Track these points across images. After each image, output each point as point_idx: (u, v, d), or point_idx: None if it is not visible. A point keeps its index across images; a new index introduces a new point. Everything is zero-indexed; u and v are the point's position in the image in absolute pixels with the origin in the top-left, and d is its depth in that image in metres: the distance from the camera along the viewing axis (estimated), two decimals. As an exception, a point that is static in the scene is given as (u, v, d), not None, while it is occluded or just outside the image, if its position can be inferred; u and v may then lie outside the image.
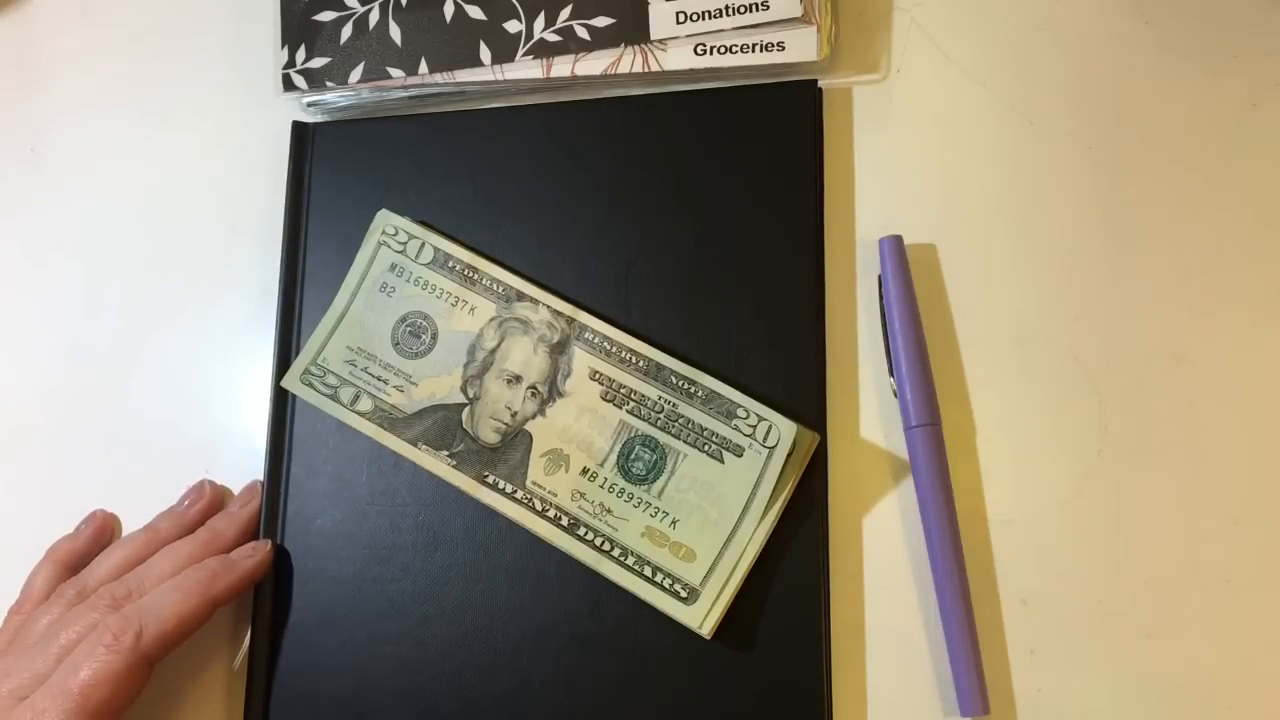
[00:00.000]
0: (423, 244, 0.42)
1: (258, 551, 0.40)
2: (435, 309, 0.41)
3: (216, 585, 0.38)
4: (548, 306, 0.40)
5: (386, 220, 0.42)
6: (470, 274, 0.41)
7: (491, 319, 0.41)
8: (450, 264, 0.41)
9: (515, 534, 0.40)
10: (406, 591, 0.40)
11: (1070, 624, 0.36)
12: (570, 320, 0.40)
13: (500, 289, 0.41)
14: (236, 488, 0.44)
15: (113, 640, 0.36)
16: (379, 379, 0.41)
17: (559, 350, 0.40)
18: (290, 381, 0.42)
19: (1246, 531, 0.36)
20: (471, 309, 0.41)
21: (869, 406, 0.39)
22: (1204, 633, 0.36)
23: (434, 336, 0.41)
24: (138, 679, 0.36)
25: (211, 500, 0.43)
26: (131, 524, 0.44)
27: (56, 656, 0.37)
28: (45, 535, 0.44)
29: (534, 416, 0.40)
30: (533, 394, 0.40)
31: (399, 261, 0.42)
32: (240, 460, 0.44)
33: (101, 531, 0.43)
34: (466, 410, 0.40)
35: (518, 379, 0.40)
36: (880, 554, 0.38)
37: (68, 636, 0.37)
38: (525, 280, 0.41)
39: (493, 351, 0.40)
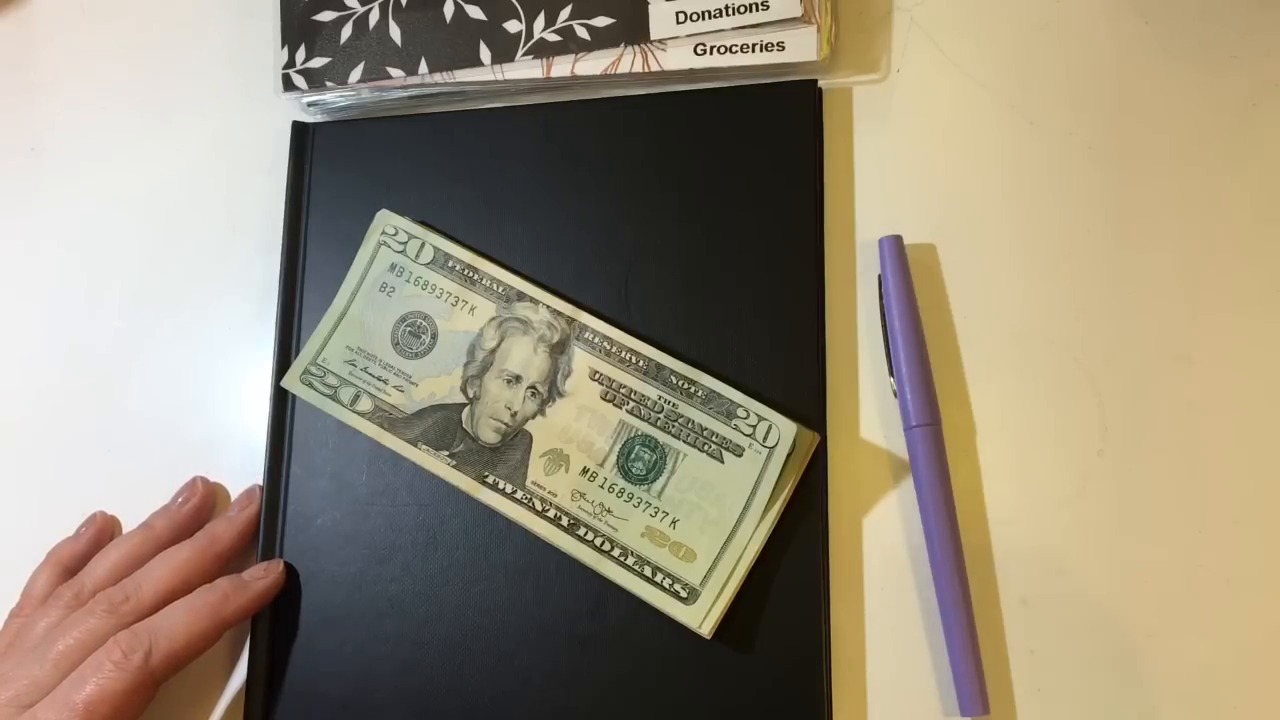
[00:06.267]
0: (423, 244, 0.42)
1: (270, 572, 0.40)
2: (435, 309, 0.41)
3: (227, 607, 0.38)
4: (548, 306, 0.40)
5: (386, 220, 0.42)
6: (470, 274, 0.41)
7: (491, 319, 0.41)
8: (450, 264, 0.41)
9: (515, 534, 0.40)
10: (406, 591, 0.40)
11: (1070, 624, 0.36)
12: (570, 320, 0.40)
13: (500, 289, 0.41)
14: (236, 488, 0.44)
15: (121, 658, 0.36)
16: (379, 379, 0.41)
17: (559, 350, 0.40)
18: (290, 382, 0.42)
19: (1246, 531, 0.36)
20: (471, 309, 0.41)
21: (869, 406, 0.39)
22: (1204, 633, 0.36)
23: (434, 336, 0.41)
24: (143, 697, 0.36)
25: (204, 497, 0.43)
26: (131, 525, 0.44)
27: (55, 663, 0.37)
28: (45, 536, 0.44)
29: (534, 416, 0.40)
30: (532, 394, 0.40)
31: (399, 261, 0.42)
32: (240, 460, 0.44)
33: (102, 534, 0.43)
34: (466, 410, 0.40)
35: (517, 379, 0.40)
36: (880, 554, 0.38)
37: (66, 643, 0.37)
38: (525, 280, 0.41)
39: (492, 351, 0.40)
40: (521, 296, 0.41)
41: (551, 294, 0.41)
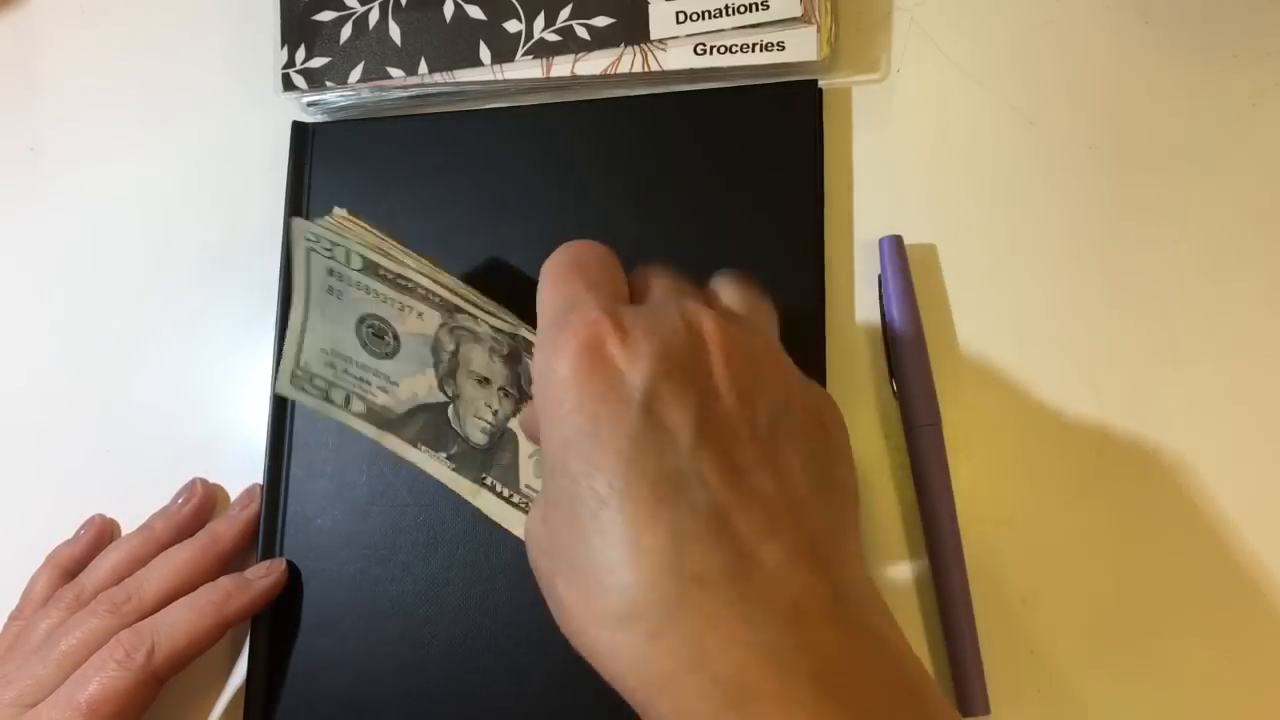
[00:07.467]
0: (348, 252, 0.36)
1: (272, 571, 0.40)
2: (386, 312, 0.37)
3: (230, 606, 0.38)
4: (487, 323, 0.36)
5: (304, 229, 0.36)
6: (403, 283, 0.36)
7: (442, 324, 0.37)
8: (381, 272, 0.36)
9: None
10: (407, 592, 0.40)
11: (1070, 624, 0.36)
12: (513, 335, 0.35)
13: (437, 300, 0.36)
14: (236, 488, 0.44)
15: (124, 656, 0.36)
16: (361, 380, 0.39)
17: (514, 360, 0.36)
18: (283, 386, 0.40)
19: (1246, 531, 0.36)
20: (419, 314, 0.37)
21: (869, 406, 0.39)
22: (1204, 633, 0.36)
23: (396, 338, 0.38)
24: (146, 696, 0.37)
25: (204, 498, 0.43)
26: (131, 526, 0.44)
27: (58, 663, 0.37)
28: (44, 539, 0.44)
29: (513, 414, 0.38)
30: (504, 394, 0.37)
31: (334, 267, 0.37)
32: (240, 461, 0.44)
33: (101, 536, 0.43)
34: (451, 409, 0.38)
35: (486, 380, 0.38)
36: (880, 554, 0.38)
37: (68, 643, 0.37)
38: (458, 295, 0.36)
39: (454, 354, 0.38)
40: (459, 308, 0.36)
41: (487, 310, 0.35)
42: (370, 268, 0.37)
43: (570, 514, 0.26)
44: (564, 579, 0.27)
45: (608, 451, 0.26)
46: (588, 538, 0.26)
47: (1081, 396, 0.38)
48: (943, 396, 0.38)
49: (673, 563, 0.25)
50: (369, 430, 0.39)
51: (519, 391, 0.37)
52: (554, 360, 0.27)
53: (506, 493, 0.38)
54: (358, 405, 0.39)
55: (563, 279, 0.30)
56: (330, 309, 0.38)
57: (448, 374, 0.38)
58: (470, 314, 0.36)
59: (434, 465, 0.39)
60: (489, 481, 0.38)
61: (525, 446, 0.38)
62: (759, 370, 0.28)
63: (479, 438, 0.38)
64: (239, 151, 0.47)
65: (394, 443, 0.39)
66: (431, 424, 0.39)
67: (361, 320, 0.38)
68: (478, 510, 0.39)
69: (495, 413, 0.38)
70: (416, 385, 0.38)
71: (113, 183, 0.48)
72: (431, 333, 0.37)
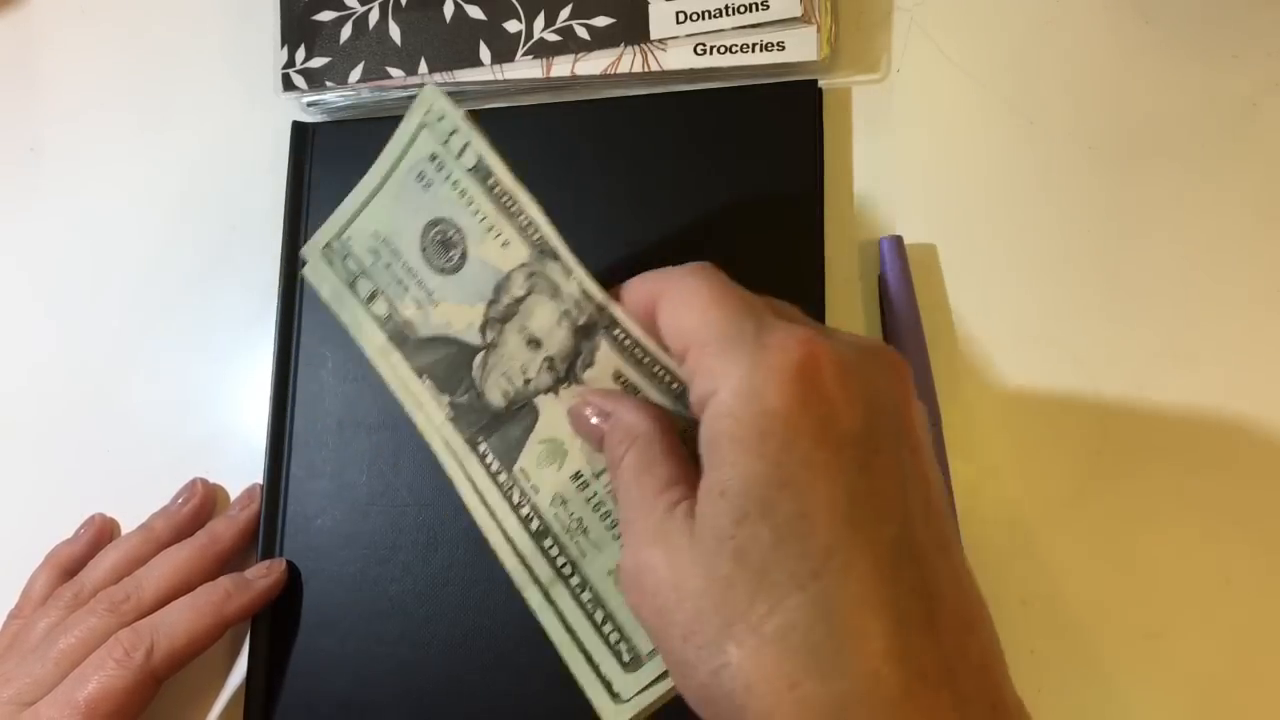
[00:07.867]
0: (466, 144, 0.33)
1: (272, 571, 0.40)
2: (469, 225, 0.33)
3: (229, 605, 0.38)
4: (579, 283, 0.32)
5: (433, 99, 0.34)
6: (509, 204, 0.33)
7: (522, 264, 0.33)
8: (490, 182, 0.33)
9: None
10: (407, 592, 0.40)
11: (1070, 624, 0.36)
12: (600, 309, 0.31)
13: (536, 237, 0.32)
14: (236, 488, 0.44)
15: (123, 655, 0.36)
16: (399, 283, 0.34)
17: (584, 334, 0.32)
18: (311, 253, 0.35)
19: (1246, 531, 0.36)
20: (505, 242, 0.33)
21: (869, 406, 0.39)
22: (1204, 633, 0.36)
23: (464, 256, 0.33)
24: (144, 695, 0.37)
25: (204, 498, 0.43)
26: (131, 526, 0.44)
27: (56, 661, 0.37)
28: (44, 538, 0.44)
29: (546, 392, 0.32)
30: (549, 366, 0.32)
31: (440, 154, 0.34)
32: (240, 461, 0.44)
33: (101, 535, 0.43)
34: (480, 357, 0.33)
35: (537, 343, 0.33)
36: (880, 554, 0.38)
37: (67, 641, 0.37)
38: (563, 240, 0.32)
39: (518, 301, 0.33)
40: (556, 256, 0.32)
41: (586, 269, 0.32)
42: (482, 172, 0.33)
43: (760, 574, 0.23)
44: (744, 650, 0.23)
45: (825, 510, 0.23)
46: (787, 610, 0.23)
47: (1081, 397, 0.38)
48: (943, 396, 0.38)
49: (898, 653, 0.22)
50: (375, 340, 0.35)
51: (566, 371, 0.32)
52: (758, 381, 0.24)
53: (495, 467, 0.33)
54: (380, 308, 0.35)
55: (729, 294, 0.27)
56: (408, 195, 0.34)
57: (498, 319, 0.33)
58: (565, 266, 0.32)
59: (429, 405, 0.34)
60: (482, 449, 0.33)
61: (541, 429, 0.33)
62: (925, 422, 0.26)
63: (495, 398, 0.33)
64: (239, 151, 0.47)
65: (395, 364, 0.34)
66: (451, 361, 0.34)
67: (435, 223, 0.34)
68: (450, 480, 0.34)
69: (527, 382, 0.33)
70: (455, 315, 0.34)
71: (113, 183, 0.48)
72: (506, 269, 0.33)
